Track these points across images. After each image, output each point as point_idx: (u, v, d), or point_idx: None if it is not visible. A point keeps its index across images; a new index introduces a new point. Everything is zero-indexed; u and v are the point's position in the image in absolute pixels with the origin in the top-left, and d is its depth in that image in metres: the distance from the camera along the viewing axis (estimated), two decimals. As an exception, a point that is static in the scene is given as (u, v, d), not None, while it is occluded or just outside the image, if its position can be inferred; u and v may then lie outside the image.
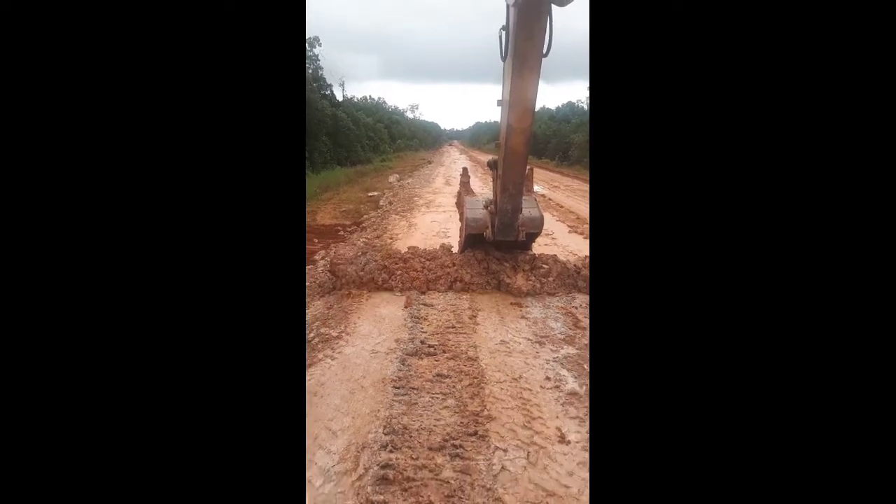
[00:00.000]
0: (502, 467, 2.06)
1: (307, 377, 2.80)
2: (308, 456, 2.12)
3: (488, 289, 4.34)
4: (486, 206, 4.54)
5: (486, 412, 2.45)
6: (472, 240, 4.68)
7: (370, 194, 11.96)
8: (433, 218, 8.35)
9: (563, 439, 2.26)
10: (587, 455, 2.15)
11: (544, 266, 4.57)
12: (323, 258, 5.69)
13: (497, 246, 4.63)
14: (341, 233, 7.49)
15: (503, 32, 3.34)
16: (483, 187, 10.15)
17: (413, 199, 11.07)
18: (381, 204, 10.35)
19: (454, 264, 4.61)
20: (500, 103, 3.77)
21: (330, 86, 24.22)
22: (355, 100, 32.29)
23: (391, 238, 6.78)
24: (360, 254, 5.07)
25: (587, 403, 2.56)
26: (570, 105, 31.01)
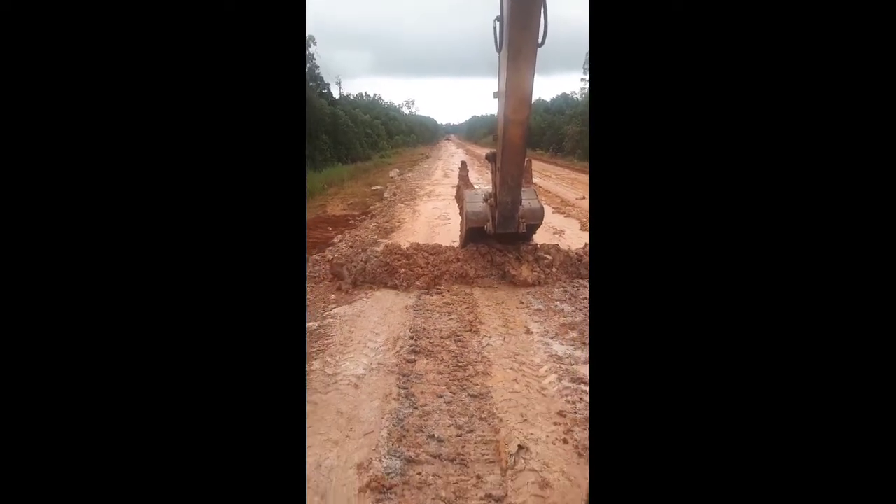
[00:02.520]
0: (487, 344, 3.32)
1: (351, 309, 4.04)
2: (363, 342, 3.37)
3: (493, 281, 4.51)
4: (485, 200, 4.59)
5: (477, 320, 3.71)
6: (473, 233, 4.70)
7: (373, 188, 13.13)
8: (434, 205, 9.61)
9: (528, 331, 3.52)
10: (541, 337, 3.41)
11: (547, 256, 4.73)
12: (341, 240, 6.92)
13: (498, 238, 4.65)
14: (352, 221, 8.68)
15: (497, 23, 3.36)
16: (479, 178, 11.38)
17: (414, 190, 12.32)
18: (385, 196, 11.56)
19: (458, 259, 4.69)
20: (496, 95, 3.80)
21: (328, 84, 25.42)
22: (351, 97, 33.52)
23: (399, 222, 8.02)
24: (359, 251, 5.17)
25: (548, 315, 3.81)
26: (564, 97, 32.18)
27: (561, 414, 2.50)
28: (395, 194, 11.73)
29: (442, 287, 4.44)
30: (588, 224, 7.30)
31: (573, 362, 3.04)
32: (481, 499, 1.95)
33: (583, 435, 2.32)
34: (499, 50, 3.50)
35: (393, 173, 17.37)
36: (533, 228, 4.75)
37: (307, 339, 3.44)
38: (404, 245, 5.18)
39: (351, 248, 6.00)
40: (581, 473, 2.07)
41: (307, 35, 21.76)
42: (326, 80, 24.82)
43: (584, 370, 2.94)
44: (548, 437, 2.33)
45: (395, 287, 4.44)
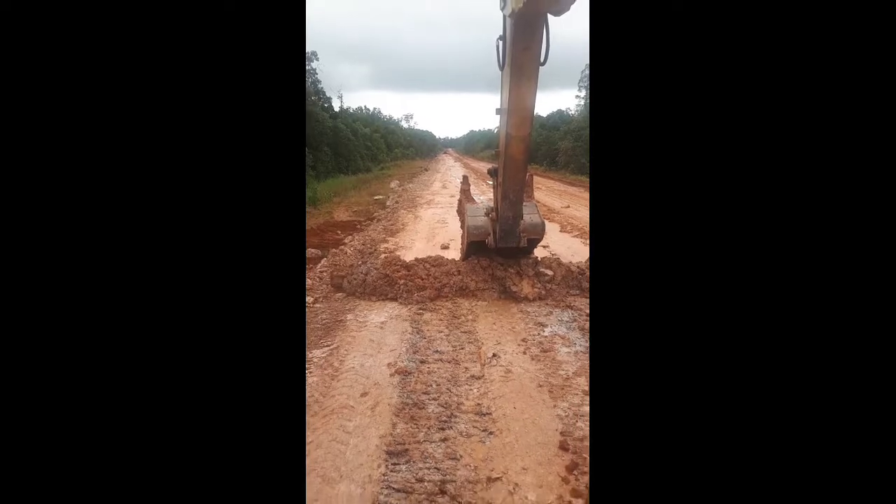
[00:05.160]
0: (476, 304, 4.57)
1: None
2: (383, 303, 4.61)
3: (493, 294, 4.75)
4: (487, 214, 4.75)
5: (469, 291, 4.97)
6: (475, 247, 4.85)
7: (375, 198, 14.35)
8: (434, 211, 10.94)
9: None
10: (517, 301, 4.65)
11: (548, 272, 4.90)
12: (351, 241, 8.17)
13: (499, 252, 4.81)
14: (358, 226, 9.90)
15: (500, 42, 3.56)
16: (474, 189, 12.64)
17: (415, 199, 13.65)
18: (387, 204, 12.83)
19: (459, 272, 4.87)
20: (498, 112, 4.00)
21: (329, 98, 26.91)
22: (351, 110, 35.08)
23: (402, 225, 9.29)
24: (359, 263, 5.50)
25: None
26: (559, 113, 33.80)
27: (524, 340, 3.76)
28: (397, 203, 13.03)
29: (444, 301, 4.64)
30: (567, 227, 8.60)
31: (538, 315, 4.29)
32: (468, 378, 3.19)
33: (537, 350, 3.57)
34: (501, 68, 3.72)
35: (393, 184, 18.62)
36: (534, 243, 4.87)
37: (338, 304, 4.67)
38: (408, 254, 6.07)
39: (360, 246, 7.24)
40: (532, 367, 3.31)
41: (309, 51, 23.24)
42: (328, 94, 26.38)
43: (544, 318, 4.19)
44: (513, 350, 3.58)
45: (395, 299, 4.69)
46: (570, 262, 5.22)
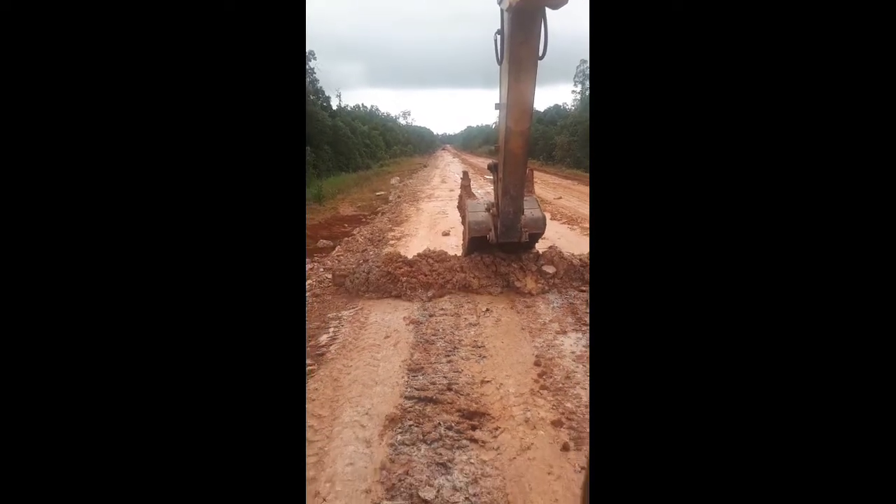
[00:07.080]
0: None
1: (392, 249, 6.26)
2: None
3: (497, 290, 4.87)
4: (487, 209, 4.81)
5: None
6: (476, 243, 4.93)
7: (377, 194, 15.28)
8: (434, 204, 11.93)
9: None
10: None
11: (549, 269, 4.99)
12: (358, 232, 9.14)
13: (500, 247, 4.88)
14: (364, 220, 10.85)
15: (498, 37, 3.58)
16: (472, 185, 13.56)
17: (416, 193, 14.64)
18: (390, 199, 13.80)
19: (462, 269, 4.95)
20: (497, 107, 4.05)
21: (328, 97, 27.83)
22: (349, 108, 36.02)
23: (406, 217, 10.26)
24: (361, 262, 5.72)
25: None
26: (556, 108, 34.73)
27: (511, 299, 4.74)
28: (399, 197, 14.01)
29: (449, 290, 4.87)
30: (557, 215, 9.59)
31: (524, 285, 5.27)
32: (466, 325, 4.17)
33: (522, 306, 4.55)
34: (500, 63, 3.78)
35: (394, 181, 19.59)
36: (535, 237, 4.98)
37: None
38: (413, 241, 7.01)
39: (369, 235, 8.22)
40: (517, 318, 4.30)
41: (308, 50, 24.15)
42: (326, 92, 27.31)
43: (530, 287, 5.18)
44: (503, 307, 4.57)
45: (398, 296, 4.85)
46: (572, 256, 5.35)
